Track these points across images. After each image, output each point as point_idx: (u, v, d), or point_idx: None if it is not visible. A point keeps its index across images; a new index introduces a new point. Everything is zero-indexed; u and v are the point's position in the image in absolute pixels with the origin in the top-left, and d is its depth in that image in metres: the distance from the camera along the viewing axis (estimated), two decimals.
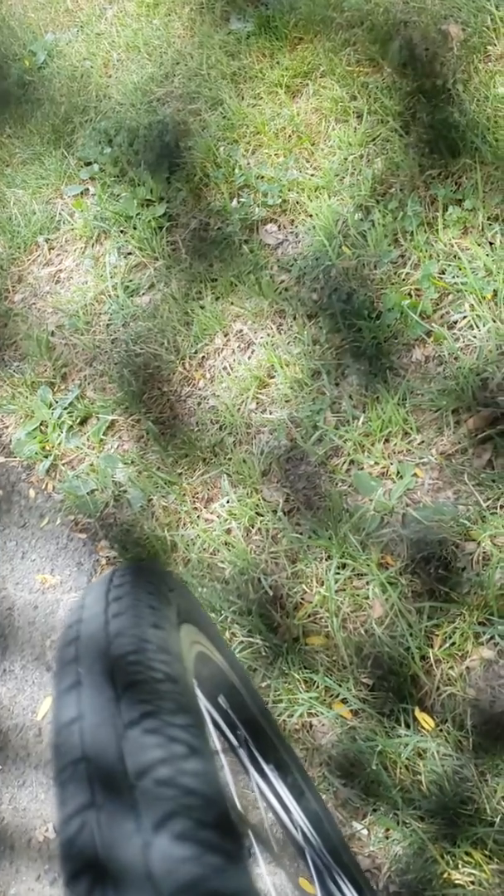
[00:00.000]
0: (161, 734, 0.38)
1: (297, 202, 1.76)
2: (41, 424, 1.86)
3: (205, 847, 0.33)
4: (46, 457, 1.81)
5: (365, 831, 1.16)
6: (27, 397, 1.90)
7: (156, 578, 0.56)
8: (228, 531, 1.48)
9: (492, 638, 1.19)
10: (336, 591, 1.32)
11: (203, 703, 0.53)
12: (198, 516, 1.53)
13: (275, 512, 1.46)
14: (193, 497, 1.56)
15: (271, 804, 0.79)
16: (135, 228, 1.97)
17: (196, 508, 1.55)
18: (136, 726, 0.38)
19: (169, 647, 0.47)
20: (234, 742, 0.74)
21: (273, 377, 1.60)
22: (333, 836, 0.97)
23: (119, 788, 0.36)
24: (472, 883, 1.05)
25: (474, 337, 1.41)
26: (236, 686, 0.75)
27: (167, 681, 0.43)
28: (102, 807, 0.35)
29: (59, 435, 1.81)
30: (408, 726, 1.18)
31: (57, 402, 1.85)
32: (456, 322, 1.44)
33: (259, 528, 1.46)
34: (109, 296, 1.93)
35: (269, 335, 1.65)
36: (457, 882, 1.06)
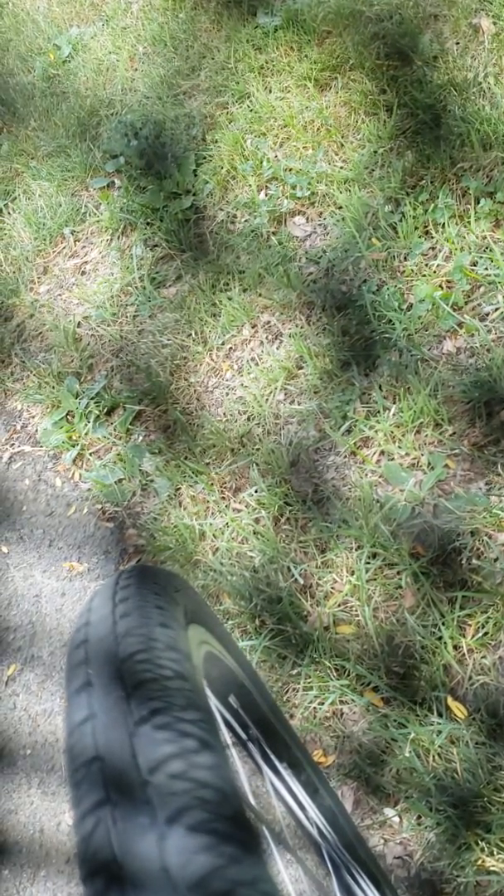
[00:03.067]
0: (172, 729, 0.39)
1: (326, 194, 1.77)
2: (68, 414, 1.87)
3: (219, 837, 0.34)
4: (73, 446, 1.82)
5: (397, 818, 1.16)
6: (53, 387, 1.91)
7: (162, 579, 0.56)
8: (257, 520, 1.49)
9: None
10: (367, 581, 1.33)
11: (213, 702, 0.53)
12: (226, 505, 1.54)
13: (304, 501, 1.46)
14: (222, 486, 1.57)
15: (286, 802, 0.80)
16: (161, 220, 1.98)
17: (224, 498, 1.55)
18: (147, 723, 0.39)
19: (177, 646, 0.47)
20: (247, 741, 0.74)
21: (302, 368, 1.61)
22: (349, 831, 0.98)
23: (132, 785, 0.36)
24: None
25: None
26: (246, 685, 0.75)
27: (176, 678, 0.43)
28: (117, 803, 0.36)
29: (86, 424, 1.82)
30: (440, 714, 1.18)
31: (84, 392, 1.86)
32: (488, 314, 1.45)
33: (288, 518, 1.47)
34: (136, 287, 1.94)
35: (297, 326, 1.65)
36: (491, 869, 1.07)
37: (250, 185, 1.88)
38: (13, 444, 1.93)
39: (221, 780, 0.37)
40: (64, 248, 2.17)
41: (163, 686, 0.42)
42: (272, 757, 0.79)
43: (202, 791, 0.36)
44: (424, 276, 1.54)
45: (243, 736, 0.73)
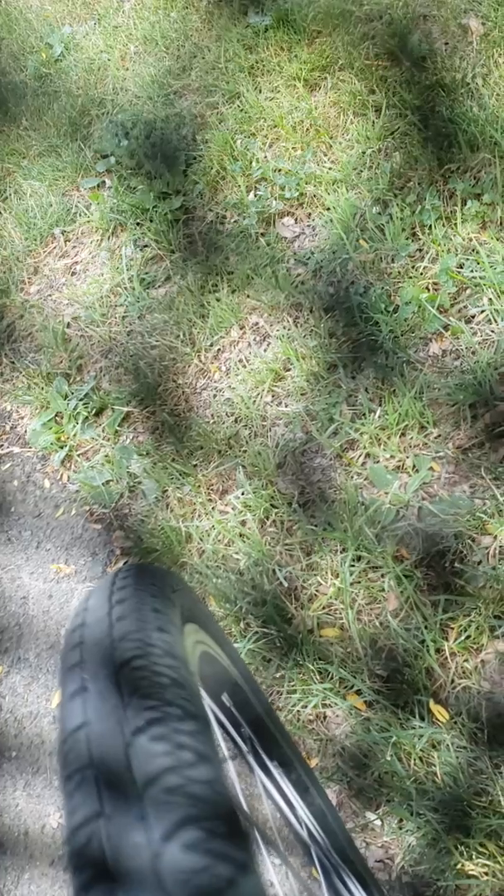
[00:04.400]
0: (168, 741, 0.38)
1: (315, 195, 1.76)
2: (56, 415, 1.86)
3: (215, 857, 0.34)
4: (62, 447, 1.82)
5: (378, 821, 1.17)
6: (42, 388, 1.91)
7: (159, 580, 0.56)
8: (243, 522, 1.49)
9: None
10: (351, 584, 1.32)
11: (207, 702, 0.52)
12: (213, 508, 1.54)
13: (290, 504, 1.46)
14: (208, 488, 1.57)
15: (276, 801, 0.79)
16: (151, 221, 1.98)
17: (211, 500, 1.55)
18: (143, 733, 0.38)
19: (175, 652, 0.46)
20: (239, 740, 0.74)
21: (289, 370, 1.61)
22: (338, 832, 0.97)
23: (127, 798, 0.36)
24: (486, 874, 1.05)
25: (492, 331, 1.41)
26: (239, 684, 0.75)
27: (173, 686, 0.42)
28: (111, 817, 0.35)
29: (75, 426, 1.81)
30: (422, 718, 1.18)
31: (72, 393, 1.86)
32: (474, 316, 1.44)
33: (274, 520, 1.47)
34: (125, 288, 1.94)
35: (285, 328, 1.65)
36: (470, 873, 1.07)
37: (240, 186, 1.87)
38: (2, 446, 1.93)
39: (218, 795, 0.37)
40: (54, 248, 2.16)
41: (160, 695, 0.41)
42: (263, 756, 0.79)
43: (198, 807, 0.35)
44: (411, 278, 1.53)
45: (235, 735, 0.73)
